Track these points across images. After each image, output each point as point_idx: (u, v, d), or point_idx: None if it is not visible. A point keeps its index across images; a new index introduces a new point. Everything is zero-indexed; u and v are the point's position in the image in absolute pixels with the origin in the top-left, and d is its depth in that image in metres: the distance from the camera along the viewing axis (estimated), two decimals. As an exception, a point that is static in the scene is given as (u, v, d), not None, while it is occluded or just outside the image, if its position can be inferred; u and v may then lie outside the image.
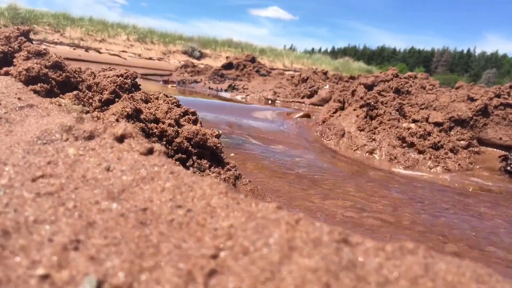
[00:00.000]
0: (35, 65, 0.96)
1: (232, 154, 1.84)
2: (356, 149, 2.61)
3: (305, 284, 0.31)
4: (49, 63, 1.00)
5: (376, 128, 2.77)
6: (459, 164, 2.59)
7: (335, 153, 2.49)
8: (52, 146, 0.57)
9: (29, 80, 0.94)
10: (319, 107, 4.09)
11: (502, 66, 64.57)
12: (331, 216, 1.26)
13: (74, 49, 12.11)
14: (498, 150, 2.96)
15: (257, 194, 1.13)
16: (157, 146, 0.59)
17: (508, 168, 2.62)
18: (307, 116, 3.32)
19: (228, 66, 6.79)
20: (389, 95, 3.11)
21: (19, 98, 0.83)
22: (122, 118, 0.90)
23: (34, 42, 1.15)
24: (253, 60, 6.94)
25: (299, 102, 4.21)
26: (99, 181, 0.49)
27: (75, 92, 1.00)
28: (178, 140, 1.02)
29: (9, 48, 1.05)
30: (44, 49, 1.06)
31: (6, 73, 0.98)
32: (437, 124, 3.01)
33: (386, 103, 3.01)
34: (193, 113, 1.15)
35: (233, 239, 0.37)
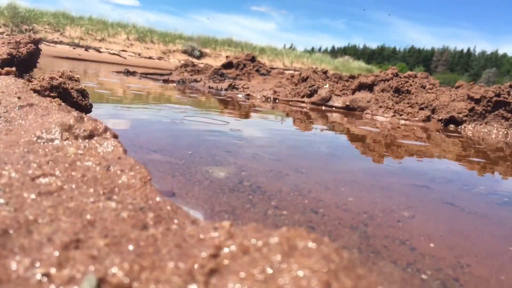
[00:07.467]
0: None
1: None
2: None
3: (305, 284, 0.31)
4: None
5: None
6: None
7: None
8: (52, 145, 0.57)
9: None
10: (319, 106, 4.08)
11: (502, 65, 64.59)
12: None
13: (74, 48, 12.09)
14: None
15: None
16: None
17: None
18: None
19: (228, 65, 6.77)
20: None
21: (19, 97, 0.82)
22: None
23: (33, 41, 1.16)
24: (253, 59, 6.92)
25: (299, 101, 4.21)
26: (99, 180, 0.49)
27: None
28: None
29: (17, 53, 1.08)
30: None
31: (7, 73, 0.98)
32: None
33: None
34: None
35: (233, 238, 0.37)
